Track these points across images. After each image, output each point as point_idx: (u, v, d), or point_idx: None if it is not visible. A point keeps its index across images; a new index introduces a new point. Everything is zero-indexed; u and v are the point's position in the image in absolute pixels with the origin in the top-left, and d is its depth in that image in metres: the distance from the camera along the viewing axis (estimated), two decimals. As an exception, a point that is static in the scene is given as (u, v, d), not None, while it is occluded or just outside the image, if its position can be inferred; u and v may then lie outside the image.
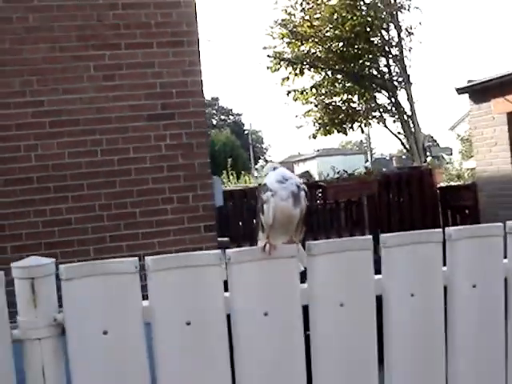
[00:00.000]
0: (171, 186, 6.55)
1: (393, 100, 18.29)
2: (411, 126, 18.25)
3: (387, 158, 59.16)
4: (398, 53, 17.86)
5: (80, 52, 6.31)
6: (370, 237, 2.29)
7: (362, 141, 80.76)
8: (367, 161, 58.21)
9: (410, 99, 18.08)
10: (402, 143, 19.30)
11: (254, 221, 2.21)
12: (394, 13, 17.19)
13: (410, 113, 18.23)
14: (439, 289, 2.27)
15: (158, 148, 6.54)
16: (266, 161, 70.99)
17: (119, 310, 1.95)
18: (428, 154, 20.14)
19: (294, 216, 2.08)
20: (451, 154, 39.49)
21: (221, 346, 2.04)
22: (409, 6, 17.43)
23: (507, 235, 2.38)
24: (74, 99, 6.29)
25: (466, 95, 11.47)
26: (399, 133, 19.23)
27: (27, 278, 1.86)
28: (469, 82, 11.52)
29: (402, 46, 17.83)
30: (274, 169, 2.15)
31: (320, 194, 10.51)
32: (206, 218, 6.71)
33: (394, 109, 18.39)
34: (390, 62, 18.12)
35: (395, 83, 18.23)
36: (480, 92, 10.83)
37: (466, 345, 2.31)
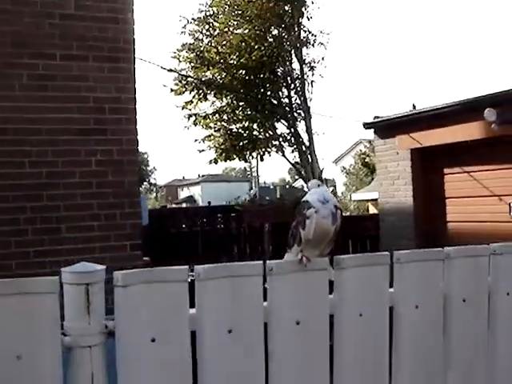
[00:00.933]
0: (99, 203, 6.39)
1: (292, 130, 18.81)
2: (309, 156, 18.80)
3: (271, 186, 60.45)
4: (299, 85, 18.45)
5: (13, 59, 6.07)
6: (388, 253, 2.40)
7: (245, 168, 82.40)
8: (251, 188, 59.22)
9: (308, 130, 18.68)
10: (300, 173, 19.83)
11: (291, 232, 2.26)
12: (298, 46, 17.79)
13: (308, 144, 18.79)
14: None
15: (87, 163, 6.37)
16: (151, 183, 70.31)
17: (170, 317, 1.92)
18: (324, 184, 20.75)
19: (331, 232, 2.22)
20: (335, 187, 41.12)
21: (259, 351, 2.07)
22: (314, 41, 18.14)
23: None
24: (5, 107, 6.02)
25: (370, 130, 12.08)
26: (297, 163, 19.77)
27: (82, 284, 1.80)
28: (375, 117, 12.14)
29: (303, 79, 18.45)
30: (318, 186, 2.28)
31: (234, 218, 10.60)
32: (132, 237, 6.61)
33: (293, 139, 18.91)
34: (292, 93, 18.69)
35: (295, 114, 18.79)
36: (386, 128, 11.43)
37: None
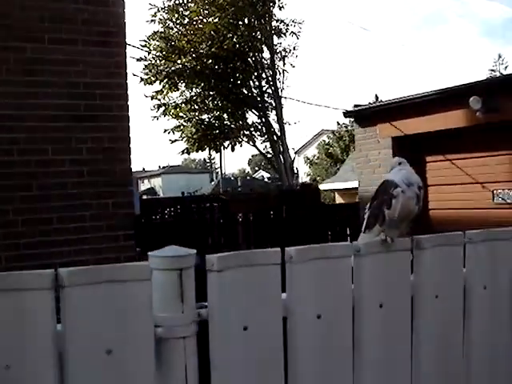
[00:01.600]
0: (91, 192, 6.18)
1: (263, 120, 18.69)
2: (280, 146, 18.72)
3: (231, 177, 60.37)
4: (271, 75, 18.33)
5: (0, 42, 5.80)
6: (460, 232, 2.29)
7: (205, 159, 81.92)
8: (212, 180, 58.97)
9: (280, 120, 18.58)
10: (271, 162, 19.76)
11: (370, 213, 2.14)
12: (270, 35, 17.66)
13: (279, 133, 18.70)
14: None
15: (78, 151, 6.14)
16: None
17: (264, 303, 1.78)
18: (296, 173, 20.76)
19: (414, 213, 2.13)
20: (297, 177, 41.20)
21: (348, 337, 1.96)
22: (286, 30, 18.02)
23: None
24: (-10, 93, 5.75)
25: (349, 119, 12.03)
26: (268, 152, 19.68)
27: (175, 270, 1.63)
28: (355, 106, 12.10)
29: (275, 69, 18.33)
30: (400, 163, 2.23)
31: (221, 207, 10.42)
32: (125, 227, 6.42)
33: (264, 129, 18.79)
34: (263, 83, 18.55)
35: (267, 104, 18.67)
36: (366, 116, 11.38)
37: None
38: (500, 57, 38.61)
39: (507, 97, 8.76)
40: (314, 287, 1.88)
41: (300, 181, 23.32)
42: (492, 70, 38.21)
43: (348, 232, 11.99)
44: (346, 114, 12.02)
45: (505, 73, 34.71)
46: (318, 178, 35.20)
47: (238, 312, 1.73)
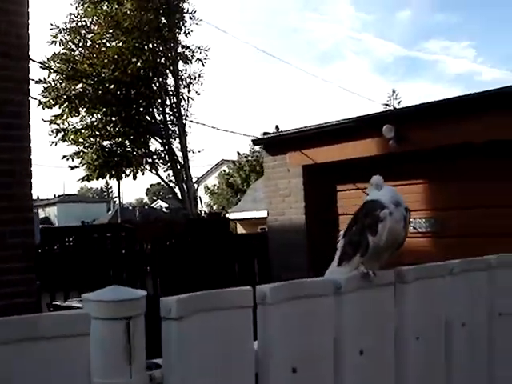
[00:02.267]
0: (-16, 219, 5.53)
1: (167, 148, 18.20)
2: (183, 174, 18.28)
3: (129, 207, 59.08)
4: (175, 102, 17.92)
5: None
6: (442, 263, 2.00)
7: (102, 189, 79.68)
8: (109, 209, 57.43)
9: (183, 148, 18.15)
10: (173, 191, 19.24)
11: (347, 240, 1.79)
12: (175, 61, 17.28)
13: (183, 162, 18.26)
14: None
15: (-27, 173, 5.50)
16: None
17: (231, 357, 1.37)
18: (199, 203, 20.35)
19: (401, 239, 1.78)
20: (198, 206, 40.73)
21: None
22: (192, 56, 17.67)
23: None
24: None
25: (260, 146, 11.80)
26: (171, 181, 19.16)
27: (121, 319, 1.20)
28: (264, 134, 11.87)
29: (179, 96, 17.93)
30: (377, 186, 1.90)
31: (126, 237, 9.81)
32: (24, 258, 5.79)
33: (167, 157, 18.28)
34: (168, 110, 18.09)
35: (170, 131, 18.22)
36: (276, 144, 11.18)
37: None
38: (394, 92, 39.98)
39: (418, 127, 8.81)
40: (289, 333, 1.50)
41: (201, 210, 22.85)
42: (386, 105, 39.50)
43: (256, 262, 11.66)
44: (255, 141, 11.80)
45: (398, 107, 35.97)
46: (219, 208, 34.92)
47: (200, 370, 1.31)
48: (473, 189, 8.46)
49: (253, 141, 11.83)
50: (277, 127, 35.28)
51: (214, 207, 35.00)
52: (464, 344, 2.03)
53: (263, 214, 21.16)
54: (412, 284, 1.83)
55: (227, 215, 24.84)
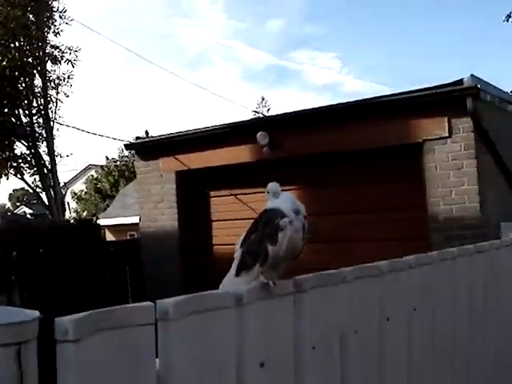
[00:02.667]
0: None
1: (33, 151, 17.37)
2: (51, 179, 17.53)
3: (-13, 212, 55.89)
4: (42, 104, 17.15)
5: None
6: (337, 271, 2.00)
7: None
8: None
9: (51, 152, 17.41)
10: (40, 197, 18.38)
11: (245, 249, 1.73)
12: (43, 61, 16.52)
13: (50, 166, 17.51)
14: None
15: None
16: None
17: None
18: (67, 209, 19.59)
19: (300, 248, 1.75)
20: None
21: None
22: (61, 57, 16.98)
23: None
24: None
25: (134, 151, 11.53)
26: (37, 186, 18.29)
27: (10, 345, 1.06)
28: (137, 138, 11.64)
29: (47, 97, 17.18)
30: (274, 194, 1.86)
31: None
32: None
33: (33, 160, 17.45)
34: (34, 111, 17.27)
35: (37, 134, 17.40)
36: (149, 149, 10.98)
37: None
38: (263, 99, 40.83)
39: (291, 134, 9.00)
40: (191, 349, 1.42)
41: (69, 217, 22.04)
42: (256, 112, 40.16)
43: (128, 270, 11.38)
44: (128, 146, 11.52)
45: (267, 114, 36.70)
46: (89, 214, 33.84)
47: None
48: (342, 194, 8.77)
49: (125, 145, 11.55)
50: (146, 132, 34.79)
51: (84, 214, 33.82)
52: (357, 351, 2.04)
53: (133, 220, 20.75)
54: (309, 293, 1.80)
55: (98, 222, 24.13)
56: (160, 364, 1.36)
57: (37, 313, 1.14)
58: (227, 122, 9.98)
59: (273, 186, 1.86)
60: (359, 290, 2.07)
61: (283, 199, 1.79)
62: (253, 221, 1.83)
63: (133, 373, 1.28)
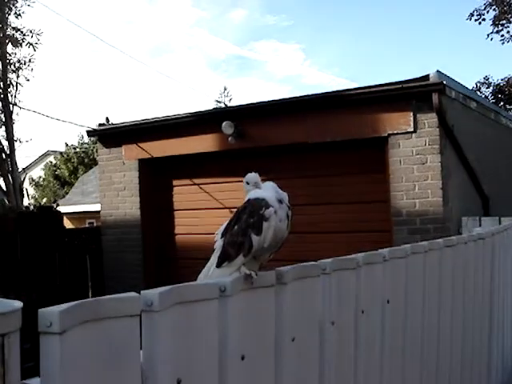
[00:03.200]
0: None
1: (-10, 136, 16.96)
2: (9, 165, 17.13)
3: None
4: (2, 87, 16.72)
5: None
6: (316, 262, 1.99)
7: None
8: None
9: (9, 137, 17.01)
10: (-4, 183, 17.95)
11: (228, 240, 1.70)
12: (7, 43, 16.09)
13: (8, 151, 17.11)
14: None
15: None
16: None
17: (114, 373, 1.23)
18: (25, 195, 19.17)
19: (284, 238, 1.73)
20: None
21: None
22: (22, 40, 16.55)
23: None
24: None
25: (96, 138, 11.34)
26: (-6, 172, 17.85)
27: (-7, 335, 1.02)
28: (100, 125, 11.46)
29: (6, 81, 16.76)
30: (255, 184, 1.82)
31: None
32: None
33: (-9, 146, 17.03)
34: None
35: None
36: (111, 136, 10.83)
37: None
38: (225, 89, 40.67)
39: (256, 124, 8.98)
40: (174, 342, 1.39)
41: (29, 203, 21.61)
42: (218, 101, 40.00)
43: (88, 258, 11.21)
44: (90, 132, 11.32)
45: (229, 104, 36.60)
46: (45, 201, 33.29)
47: (83, 389, 1.16)
48: (307, 186, 8.80)
49: (87, 131, 11.34)
50: (107, 119, 34.33)
51: (43, 200, 33.22)
52: (334, 343, 2.03)
53: (92, 207, 20.51)
54: (290, 285, 1.79)
55: (58, 208, 23.71)
56: (144, 355, 1.32)
57: (20, 303, 1.10)
58: (192, 111, 9.90)
59: (252, 176, 1.83)
60: (337, 282, 2.06)
61: (267, 189, 1.76)
62: (235, 211, 1.80)
63: (117, 364, 1.24)
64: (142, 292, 1.33)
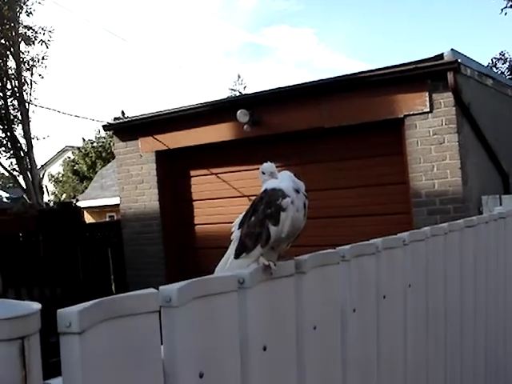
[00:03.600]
0: None
1: (8, 134, 17.09)
2: (27, 163, 17.29)
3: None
4: (16, 85, 16.84)
5: None
6: (335, 250, 1.98)
7: None
8: None
9: (27, 135, 17.16)
10: (17, 180, 18.14)
11: (246, 231, 1.69)
12: (16, 42, 16.17)
13: (26, 149, 17.26)
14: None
15: None
16: None
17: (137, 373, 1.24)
18: (45, 192, 19.36)
19: (301, 228, 1.71)
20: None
21: None
22: (35, 38, 16.64)
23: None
24: None
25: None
26: (14, 169, 18.04)
27: (14, 340, 1.02)
28: (115, 119, 11.51)
29: (21, 79, 16.88)
30: (271, 174, 1.80)
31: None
32: None
33: (9, 144, 17.19)
34: (9, 94, 16.95)
35: (12, 117, 17.10)
36: (127, 130, 10.86)
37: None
38: (239, 77, 40.53)
39: (272, 111, 8.94)
40: (195, 337, 1.38)
41: (49, 200, 21.82)
42: (232, 90, 39.86)
43: (109, 252, 11.31)
44: (106, 127, 11.36)
45: (244, 92, 36.48)
46: (65, 196, 33.54)
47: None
48: (324, 171, 8.76)
49: (103, 126, 11.39)
50: (123, 112, 34.42)
51: (63, 196, 33.47)
52: (356, 330, 2.02)
53: (112, 201, 20.63)
54: (309, 273, 1.78)
55: (77, 204, 23.89)
56: (165, 351, 1.32)
57: (38, 305, 1.10)
58: (206, 101, 9.89)
59: (268, 166, 1.82)
60: (357, 269, 2.05)
61: (283, 178, 1.75)
62: (252, 202, 1.79)
63: (138, 362, 1.24)
64: (160, 288, 1.33)
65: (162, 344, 1.32)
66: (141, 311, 1.26)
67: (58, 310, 1.12)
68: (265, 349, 1.61)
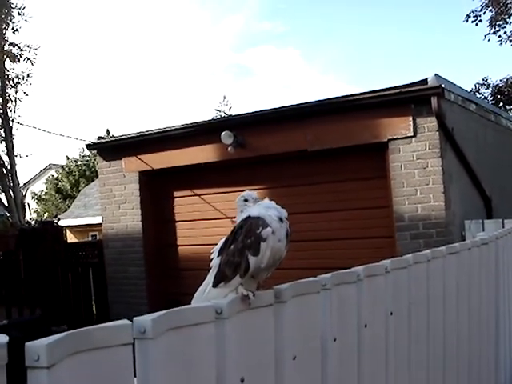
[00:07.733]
0: None
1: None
2: (10, 180, 17.13)
3: None
4: (1, 103, 16.73)
5: None
6: (316, 278, 1.94)
7: None
8: None
9: (10, 152, 17.02)
10: (-1, 198, 17.96)
11: (224, 259, 1.66)
12: (5, 58, 16.09)
13: (9, 167, 17.12)
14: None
15: None
16: None
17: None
18: (27, 210, 19.16)
19: (282, 259, 1.68)
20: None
21: None
22: (20, 55, 16.57)
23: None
24: None
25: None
26: (-5, 187, 17.87)
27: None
28: (99, 138, 11.49)
29: (5, 96, 16.78)
30: (254, 199, 1.79)
31: None
32: None
33: (-9, 161, 17.05)
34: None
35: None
36: (111, 149, 10.80)
37: None
38: (225, 98, 40.52)
39: (256, 133, 8.94)
40: (169, 369, 1.34)
41: (30, 218, 21.60)
42: (217, 110, 39.83)
43: (91, 272, 11.17)
44: (90, 146, 11.30)
45: (229, 113, 36.49)
46: (47, 215, 33.23)
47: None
48: (308, 193, 8.76)
49: (87, 145, 11.32)
50: (108, 131, 34.36)
51: (45, 215, 33.16)
52: (336, 359, 1.99)
53: (95, 220, 20.45)
54: (289, 302, 1.74)
55: (59, 223, 23.66)
56: (138, 384, 1.28)
57: (5, 338, 1.06)
58: (191, 122, 9.87)
59: (249, 194, 1.79)
60: (337, 297, 2.02)
61: (265, 206, 1.72)
62: (232, 229, 1.76)
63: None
64: (134, 319, 1.29)
65: (135, 377, 1.28)
66: (114, 343, 1.22)
67: (26, 344, 1.08)
68: (242, 381, 1.57)
